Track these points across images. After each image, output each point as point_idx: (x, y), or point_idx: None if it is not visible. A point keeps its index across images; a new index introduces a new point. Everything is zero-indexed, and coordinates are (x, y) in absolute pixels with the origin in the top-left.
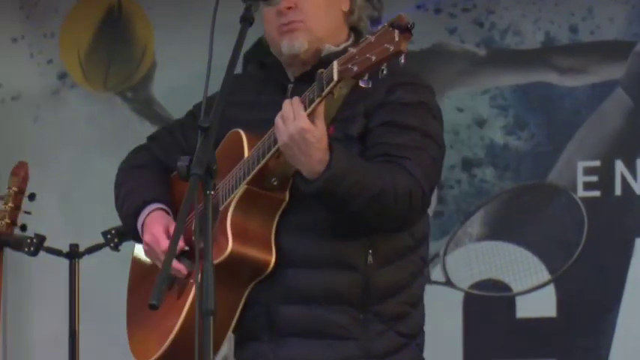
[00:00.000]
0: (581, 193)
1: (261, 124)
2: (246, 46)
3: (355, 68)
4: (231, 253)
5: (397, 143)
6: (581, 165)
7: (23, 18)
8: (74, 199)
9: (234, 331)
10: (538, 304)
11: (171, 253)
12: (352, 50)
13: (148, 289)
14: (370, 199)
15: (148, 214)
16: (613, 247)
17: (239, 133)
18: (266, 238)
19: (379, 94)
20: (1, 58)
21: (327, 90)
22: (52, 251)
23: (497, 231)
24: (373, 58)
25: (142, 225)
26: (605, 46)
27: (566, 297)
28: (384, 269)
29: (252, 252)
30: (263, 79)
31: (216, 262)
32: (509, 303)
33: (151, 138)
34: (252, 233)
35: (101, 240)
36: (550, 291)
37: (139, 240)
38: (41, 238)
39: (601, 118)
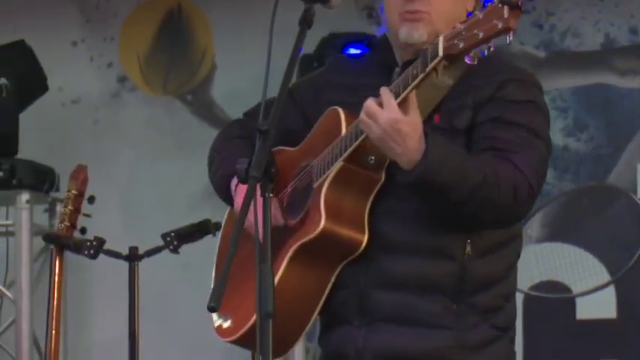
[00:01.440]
0: None
1: (357, 106)
2: (306, 48)
3: (462, 44)
4: (323, 229)
5: (504, 138)
6: None
7: (83, 22)
8: (133, 201)
9: (321, 314)
10: (598, 305)
11: (231, 256)
12: (459, 26)
13: (238, 262)
14: (472, 190)
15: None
16: None
17: (337, 110)
18: (360, 218)
19: (489, 89)
20: (61, 61)
21: (431, 66)
22: (111, 254)
23: (556, 232)
24: (481, 34)
25: (236, 186)
26: None
27: (626, 298)
28: (481, 260)
29: (345, 230)
30: (367, 61)
31: (308, 238)
32: (569, 304)
33: (246, 114)
34: (345, 211)
35: (160, 243)
36: (610, 292)
37: (230, 201)
38: (101, 241)
39: None
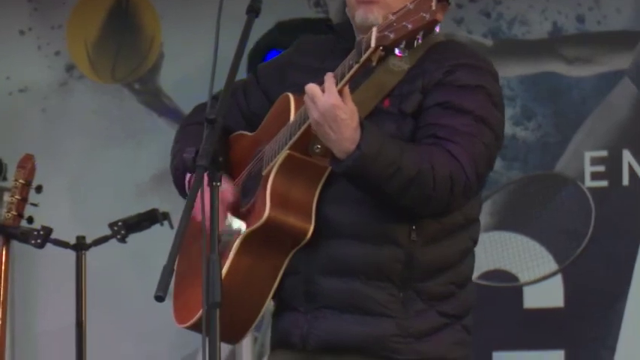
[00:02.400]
0: (588, 183)
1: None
2: (253, 36)
3: (392, 35)
4: (268, 218)
5: (448, 125)
6: (588, 155)
7: (31, 10)
8: (81, 191)
9: (274, 299)
10: (546, 294)
11: (176, 247)
12: (391, 17)
13: (196, 250)
14: (406, 182)
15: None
16: (620, 237)
17: (288, 96)
18: (307, 206)
19: (439, 73)
20: (8, 50)
21: (364, 57)
22: (58, 243)
23: (504, 221)
24: (409, 26)
25: (190, 177)
26: (612, 36)
27: (573, 287)
28: (429, 247)
29: (290, 219)
30: (330, 44)
31: (253, 228)
32: (517, 293)
33: (213, 97)
34: (292, 200)
35: (108, 232)
36: (557, 281)
37: (184, 193)
38: (48, 231)
39: (608, 108)
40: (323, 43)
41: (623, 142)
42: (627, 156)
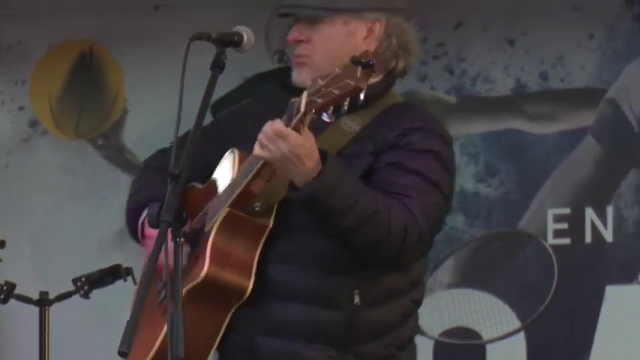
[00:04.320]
0: (551, 240)
1: None
2: (217, 91)
3: (319, 101)
4: (207, 275)
5: (399, 183)
6: (551, 212)
7: None
8: (45, 246)
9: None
10: (509, 352)
11: (139, 303)
12: (321, 82)
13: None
14: (362, 219)
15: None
16: (583, 295)
17: (234, 152)
18: (247, 264)
19: (392, 136)
20: None
21: (294, 121)
22: (22, 299)
23: (467, 278)
24: (336, 92)
25: (144, 219)
26: (576, 94)
27: (536, 345)
28: (371, 310)
29: (229, 276)
30: (282, 96)
31: (192, 285)
32: (480, 351)
33: (163, 150)
34: (233, 257)
35: (72, 288)
36: (520, 339)
37: (136, 238)
38: (11, 286)
39: (571, 165)
40: (279, 94)
41: (586, 200)
42: (590, 213)
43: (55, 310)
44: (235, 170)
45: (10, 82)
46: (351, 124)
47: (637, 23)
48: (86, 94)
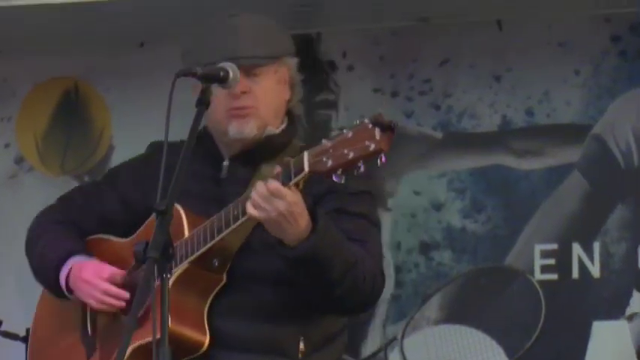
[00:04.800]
0: (538, 276)
1: (188, 195)
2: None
3: (330, 162)
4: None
5: (350, 229)
6: (538, 248)
7: None
8: (31, 283)
9: None
10: None
11: (127, 340)
12: (326, 143)
13: (57, 326)
14: (346, 269)
15: (76, 262)
16: (571, 331)
17: (177, 210)
18: (199, 318)
19: (327, 182)
20: None
21: (294, 180)
22: (8, 335)
23: (455, 314)
24: (351, 154)
25: (70, 271)
26: (562, 129)
27: None
28: (314, 356)
29: (188, 332)
30: (193, 149)
31: (150, 340)
32: None
33: (62, 198)
34: (187, 312)
35: None
36: None
37: (58, 291)
38: None
39: (558, 201)
40: (178, 148)
41: (573, 236)
42: (577, 249)
43: None
44: (186, 228)
45: None
46: (272, 172)
47: (622, 59)
48: (72, 131)
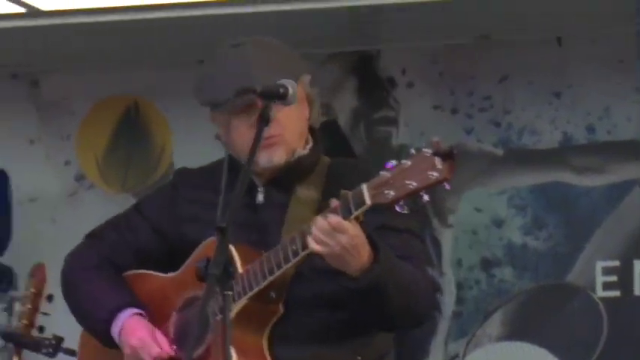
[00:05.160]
0: (600, 293)
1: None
2: None
3: (392, 194)
4: None
5: (398, 245)
6: (600, 265)
7: (40, 120)
8: None
9: None
10: None
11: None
12: (385, 174)
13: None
14: (403, 293)
15: (127, 318)
16: (633, 347)
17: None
18: (259, 350)
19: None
20: (18, 160)
21: (355, 213)
22: (69, 352)
23: (516, 331)
24: (413, 184)
25: (121, 329)
26: (622, 146)
27: None
28: None
29: None
30: (218, 178)
31: None
32: None
33: (92, 236)
34: (249, 346)
35: None
36: None
37: (109, 344)
38: (59, 340)
39: (619, 217)
40: (208, 175)
41: (635, 252)
42: (639, 266)
43: None
44: (238, 264)
45: (56, 137)
46: (308, 193)
47: None
48: (132, 148)
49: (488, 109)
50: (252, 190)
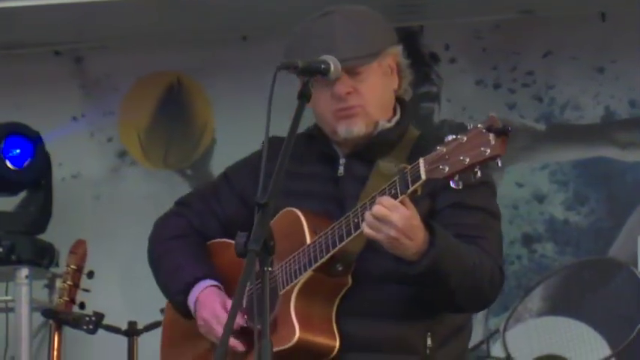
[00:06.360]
0: None
1: (307, 196)
2: (304, 122)
3: (447, 169)
4: (299, 340)
5: (468, 224)
6: None
7: (83, 96)
8: (133, 276)
9: None
10: None
11: (228, 330)
12: (441, 149)
13: (187, 351)
14: (464, 275)
15: (202, 291)
16: None
17: (296, 214)
18: (328, 323)
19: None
20: (61, 136)
21: (412, 188)
22: (110, 329)
23: (557, 306)
24: (467, 160)
25: (196, 302)
26: None
27: None
28: (442, 350)
29: (318, 338)
30: (304, 148)
31: (281, 348)
32: None
33: (181, 204)
34: (315, 318)
35: (160, 317)
36: None
37: (189, 316)
38: (100, 316)
39: None
40: (296, 145)
41: None
42: None
43: (143, 340)
44: (307, 234)
45: (99, 113)
46: (390, 167)
47: None
48: (174, 125)
49: (530, 84)
50: (334, 162)
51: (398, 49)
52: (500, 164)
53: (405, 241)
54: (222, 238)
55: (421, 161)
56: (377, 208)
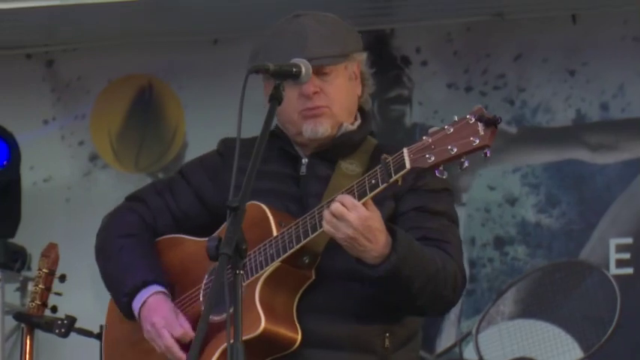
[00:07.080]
0: (613, 270)
1: (269, 194)
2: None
3: (433, 158)
4: (264, 330)
5: (432, 228)
6: (613, 242)
7: (54, 100)
8: None
9: None
10: None
11: (202, 332)
12: (427, 140)
13: (132, 328)
14: (427, 280)
15: (150, 295)
16: None
17: (261, 207)
18: (289, 316)
19: (408, 179)
20: (32, 140)
21: (395, 177)
22: (82, 332)
23: (529, 309)
24: (455, 149)
25: (143, 305)
26: (636, 123)
27: None
28: (399, 352)
29: (281, 330)
30: (266, 147)
31: (246, 338)
32: None
33: (133, 199)
34: (278, 310)
35: None
36: None
37: (130, 316)
38: (72, 320)
39: (633, 195)
40: (251, 145)
41: None
42: None
43: None
44: (273, 227)
45: (70, 116)
46: (352, 168)
47: None
48: (146, 128)
49: (502, 87)
50: (295, 162)
51: (363, 57)
52: (488, 154)
53: (364, 242)
54: (174, 234)
55: (405, 150)
56: (335, 206)
